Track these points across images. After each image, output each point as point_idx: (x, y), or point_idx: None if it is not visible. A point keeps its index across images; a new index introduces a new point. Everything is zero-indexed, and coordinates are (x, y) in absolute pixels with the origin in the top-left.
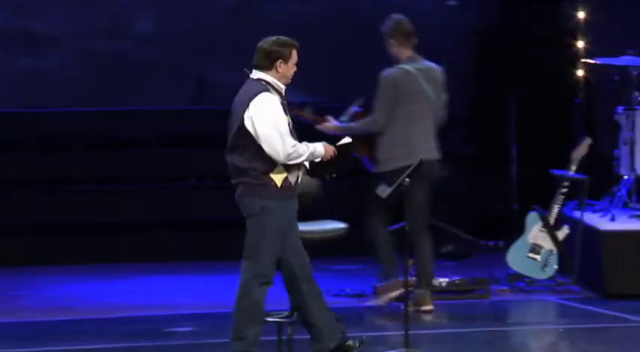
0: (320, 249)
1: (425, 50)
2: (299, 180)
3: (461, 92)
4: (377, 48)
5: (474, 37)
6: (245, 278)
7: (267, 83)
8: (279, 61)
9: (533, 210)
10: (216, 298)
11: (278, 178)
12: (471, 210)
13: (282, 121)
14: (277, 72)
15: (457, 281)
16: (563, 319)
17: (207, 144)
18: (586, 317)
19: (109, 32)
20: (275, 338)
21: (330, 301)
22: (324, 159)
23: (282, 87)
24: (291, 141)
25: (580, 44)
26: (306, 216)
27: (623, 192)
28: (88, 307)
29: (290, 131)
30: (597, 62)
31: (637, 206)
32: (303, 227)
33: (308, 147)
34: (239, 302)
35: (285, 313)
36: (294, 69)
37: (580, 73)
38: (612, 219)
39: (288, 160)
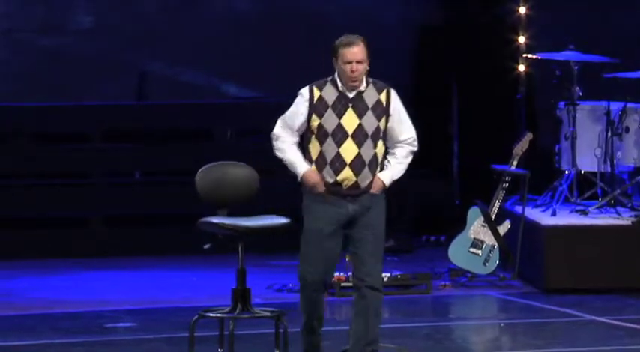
0: (261, 243)
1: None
2: (345, 183)
3: (403, 87)
4: (321, 45)
5: (416, 31)
6: None
7: (331, 79)
8: (334, 58)
9: (475, 204)
10: (157, 293)
11: None
12: (412, 205)
13: (292, 112)
14: (335, 69)
15: (399, 276)
16: (504, 314)
17: (150, 139)
18: (527, 311)
19: (49, 27)
20: (217, 333)
21: (273, 296)
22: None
23: (343, 84)
24: (280, 130)
25: (521, 39)
26: (247, 211)
27: (564, 186)
28: (25, 302)
29: (326, 133)
30: (538, 57)
31: (578, 201)
32: (245, 222)
33: (293, 158)
34: None
35: (227, 308)
36: (348, 67)
37: (521, 68)
38: (553, 214)
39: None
